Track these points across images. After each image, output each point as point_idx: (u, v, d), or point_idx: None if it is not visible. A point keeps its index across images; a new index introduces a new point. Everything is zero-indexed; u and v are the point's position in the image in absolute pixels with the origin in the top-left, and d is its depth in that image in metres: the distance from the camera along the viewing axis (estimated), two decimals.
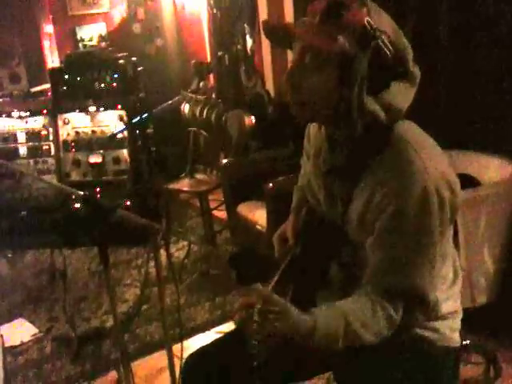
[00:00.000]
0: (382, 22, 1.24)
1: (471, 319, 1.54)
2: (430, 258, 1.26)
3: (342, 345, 1.22)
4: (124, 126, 3.83)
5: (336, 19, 1.21)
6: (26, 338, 3.08)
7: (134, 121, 2.15)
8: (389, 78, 1.25)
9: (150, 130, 2.26)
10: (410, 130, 1.33)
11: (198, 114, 1.63)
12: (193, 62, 3.33)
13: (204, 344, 1.64)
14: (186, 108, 3.62)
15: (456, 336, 1.46)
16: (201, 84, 2.91)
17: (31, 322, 3.25)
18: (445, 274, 1.40)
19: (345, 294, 1.37)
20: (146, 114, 2.09)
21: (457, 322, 1.47)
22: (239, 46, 4.73)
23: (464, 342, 1.51)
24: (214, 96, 3.83)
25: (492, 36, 2.61)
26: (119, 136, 4.03)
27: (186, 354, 1.67)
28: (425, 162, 1.24)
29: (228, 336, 1.67)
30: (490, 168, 2.54)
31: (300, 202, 1.67)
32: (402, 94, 1.28)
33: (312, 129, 1.55)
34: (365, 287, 1.30)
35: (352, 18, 1.20)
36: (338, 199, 1.40)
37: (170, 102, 2.11)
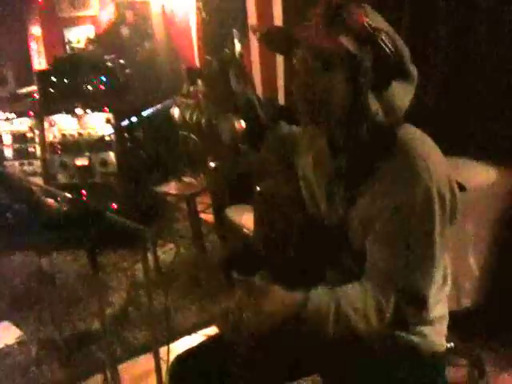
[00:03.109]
0: (379, 23, 1.29)
1: (456, 322, 1.55)
2: (427, 257, 1.28)
3: (332, 328, 1.22)
4: (113, 129, 3.83)
5: (336, 21, 1.26)
6: (11, 340, 3.06)
7: (123, 124, 2.15)
8: (389, 77, 1.28)
9: (139, 133, 2.27)
10: (412, 134, 1.35)
11: (188, 117, 1.64)
12: (184, 67, 3.36)
13: (190, 346, 1.65)
14: (176, 112, 3.66)
15: (442, 340, 1.48)
16: (191, 88, 2.93)
17: (18, 325, 3.23)
18: (436, 277, 1.40)
19: None
20: (135, 118, 2.09)
21: (443, 327, 1.48)
22: (227, 50, 4.75)
23: (448, 345, 1.52)
24: (203, 100, 3.85)
25: (482, 45, 2.63)
26: (107, 138, 4.03)
27: (172, 357, 1.67)
28: (428, 163, 1.26)
29: (214, 338, 1.67)
30: (475, 173, 2.57)
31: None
32: (401, 94, 1.31)
33: (306, 141, 1.57)
34: (361, 279, 1.32)
35: (351, 18, 1.25)
36: (339, 204, 1.41)
37: (159, 105, 2.11)
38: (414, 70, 1.34)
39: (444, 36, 2.70)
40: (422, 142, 1.32)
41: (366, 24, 1.24)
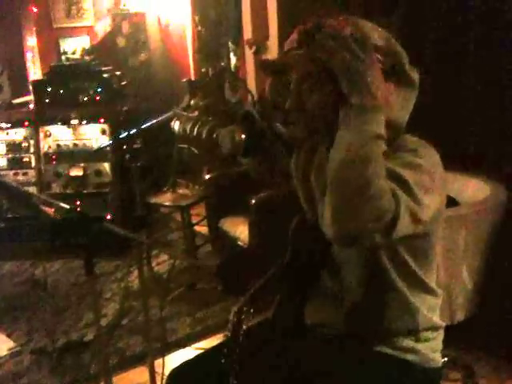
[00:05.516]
0: (368, 31, 1.26)
1: (448, 335, 1.56)
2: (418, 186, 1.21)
3: (356, 153, 1.15)
4: (111, 141, 3.84)
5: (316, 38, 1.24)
6: (3, 352, 3.04)
7: (121, 136, 2.17)
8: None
9: (137, 145, 2.29)
10: (410, 138, 1.35)
11: (188, 130, 1.66)
12: (184, 79, 3.41)
13: (186, 359, 1.65)
14: (176, 125, 3.68)
15: (437, 356, 1.46)
16: (192, 101, 2.96)
17: (9, 333, 3.21)
18: (427, 279, 1.41)
19: (337, 303, 1.41)
20: (134, 130, 2.11)
21: (438, 343, 1.48)
22: (223, 63, 4.79)
23: (442, 360, 1.52)
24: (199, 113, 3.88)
25: (478, 56, 2.66)
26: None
27: (165, 370, 1.66)
28: (424, 161, 1.26)
29: (211, 351, 1.67)
30: (468, 188, 2.60)
31: None
32: (402, 105, 1.32)
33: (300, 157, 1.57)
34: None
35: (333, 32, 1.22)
36: None
37: (159, 118, 2.13)
38: (413, 75, 1.33)
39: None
40: (421, 145, 1.33)
41: (347, 35, 1.20)
